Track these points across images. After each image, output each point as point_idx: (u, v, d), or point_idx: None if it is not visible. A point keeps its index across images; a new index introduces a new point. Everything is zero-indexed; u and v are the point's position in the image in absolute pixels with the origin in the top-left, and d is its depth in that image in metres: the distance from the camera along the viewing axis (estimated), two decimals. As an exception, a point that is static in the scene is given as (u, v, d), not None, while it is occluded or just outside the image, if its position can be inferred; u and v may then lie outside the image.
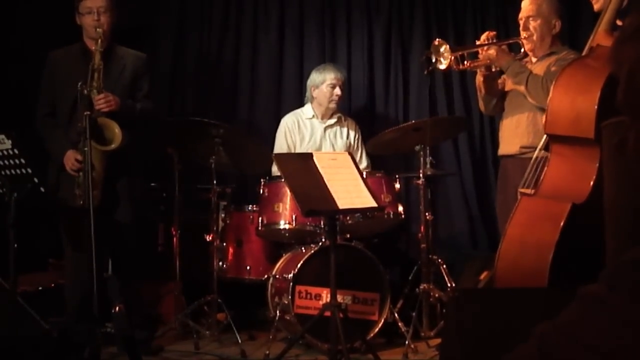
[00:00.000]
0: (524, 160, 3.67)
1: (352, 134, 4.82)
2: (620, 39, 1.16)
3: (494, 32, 3.94)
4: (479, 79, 4.12)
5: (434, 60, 3.84)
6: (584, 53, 3.33)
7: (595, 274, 1.11)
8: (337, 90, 4.67)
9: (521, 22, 3.96)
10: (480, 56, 3.93)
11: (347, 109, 5.11)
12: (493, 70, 3.99)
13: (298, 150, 4.67)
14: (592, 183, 3.03)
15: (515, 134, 3.96)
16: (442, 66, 3.85)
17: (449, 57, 3.82)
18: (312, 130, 4.75)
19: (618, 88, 1.15)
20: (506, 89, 4.09)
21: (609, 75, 2.96)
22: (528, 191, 3.33)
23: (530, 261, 3.02)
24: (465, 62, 3.93)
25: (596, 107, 2.99)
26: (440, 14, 5.24)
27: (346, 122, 4.83)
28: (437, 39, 3.91)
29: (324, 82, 4.67)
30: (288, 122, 4.77)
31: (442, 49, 3.83)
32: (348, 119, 4.86)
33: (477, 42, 3.97)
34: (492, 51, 3.86)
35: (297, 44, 5.30)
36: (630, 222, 2.31)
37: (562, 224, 2.96)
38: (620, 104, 1.14)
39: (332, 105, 4.71)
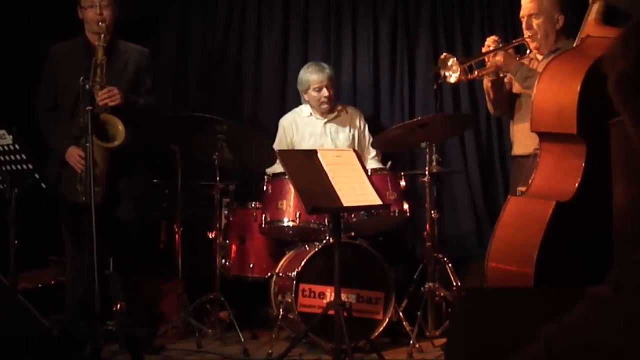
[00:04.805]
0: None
1: (356, 123, 4.74)
2: (625, 36, 1.13)
3: (498, 37, 3.87)
4: (487, 84, 4.04)
5: (442, 75, 3.77)
6: (574, 45, 3.26)
7: (586, 274, 1.08)
8: (324, 92, 4.58)
9: (523, 21, 3.86)
10: (488, 63, 3.85)
11: (352, 105, 5.06)
12: (501, 75, 3.92)
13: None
14: (578, 181, 2.94)
15: (529, 136, 3.87)
16: (452, 79, 3.73)
17: (458, 69, 3.72)
18: (312, 128, 4.69)
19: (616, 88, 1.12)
20: (514, 90, 4.03)
21: (590, 68, 2.88)
22: (524, 189, 3.26)
23: (516, 262, 2.95)
24: (474, 72, 3.86)
25: (577, 100, 2.89)
26: (447, 9, 5.19)
27: (349, 113, 4.76)
28: (444, 53, 3.83)
29: (309, 87, 4.60)
30: (285, 122, 4.73)
31: (450, 62, 3.71)
32: (350, 109, 4.79)
33: (483, 50, 3.89)
34: (500, 57, 3.77)
35: (302, 38, 5.25)
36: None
37: (546, 223, 2.87)
38: (619, 106, 1.12)
39: (324, 106, 4.63)
